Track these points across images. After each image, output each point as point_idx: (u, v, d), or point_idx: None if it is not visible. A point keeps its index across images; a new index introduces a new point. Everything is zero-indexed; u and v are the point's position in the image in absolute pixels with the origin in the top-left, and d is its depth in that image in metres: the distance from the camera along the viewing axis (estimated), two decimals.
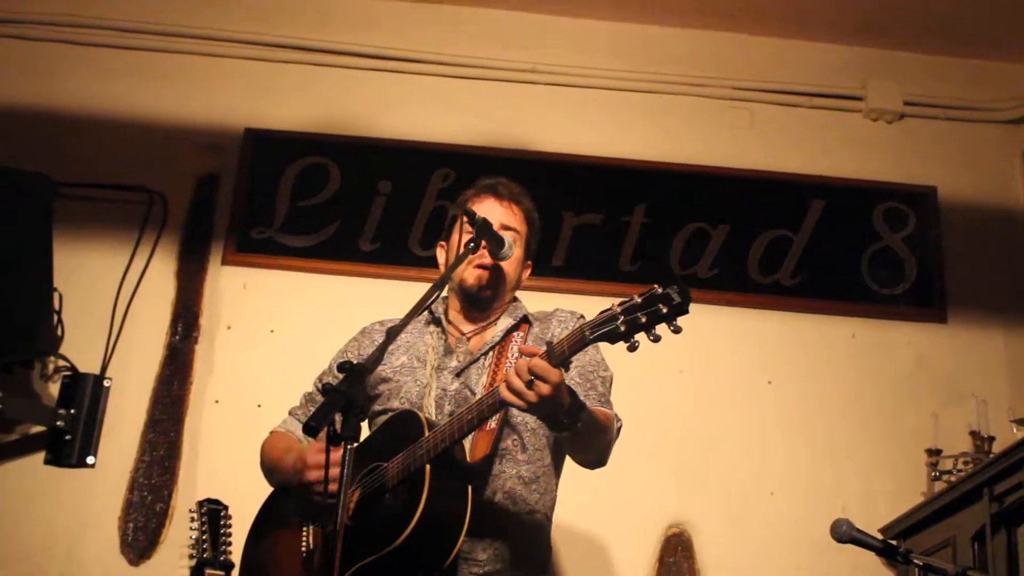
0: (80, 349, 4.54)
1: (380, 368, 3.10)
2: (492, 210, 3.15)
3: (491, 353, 3.07)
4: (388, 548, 2.65)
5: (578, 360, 2.98)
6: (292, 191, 4.93)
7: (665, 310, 2.42)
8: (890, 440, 4.68)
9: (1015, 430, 4.05)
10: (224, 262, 4.82)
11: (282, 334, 4.71)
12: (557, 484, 3.09)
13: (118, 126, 4.97)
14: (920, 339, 4.87)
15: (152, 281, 4.73)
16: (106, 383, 4.44)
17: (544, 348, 2.58)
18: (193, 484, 4.46)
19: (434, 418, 2.91)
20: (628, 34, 5.30)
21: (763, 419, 4.70)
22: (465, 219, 3.04)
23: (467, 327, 3.16)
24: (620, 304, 2.49)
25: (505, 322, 3.13)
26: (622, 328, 2.45)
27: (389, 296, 4.55)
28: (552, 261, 4.85)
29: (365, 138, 5.04)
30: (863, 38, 5.31)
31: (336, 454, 2.43)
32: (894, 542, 2.98)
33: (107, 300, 4.63)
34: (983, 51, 5.32)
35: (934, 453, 4.51)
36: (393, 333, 2.68)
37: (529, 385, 2.52)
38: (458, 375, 3.04)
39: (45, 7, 5.11)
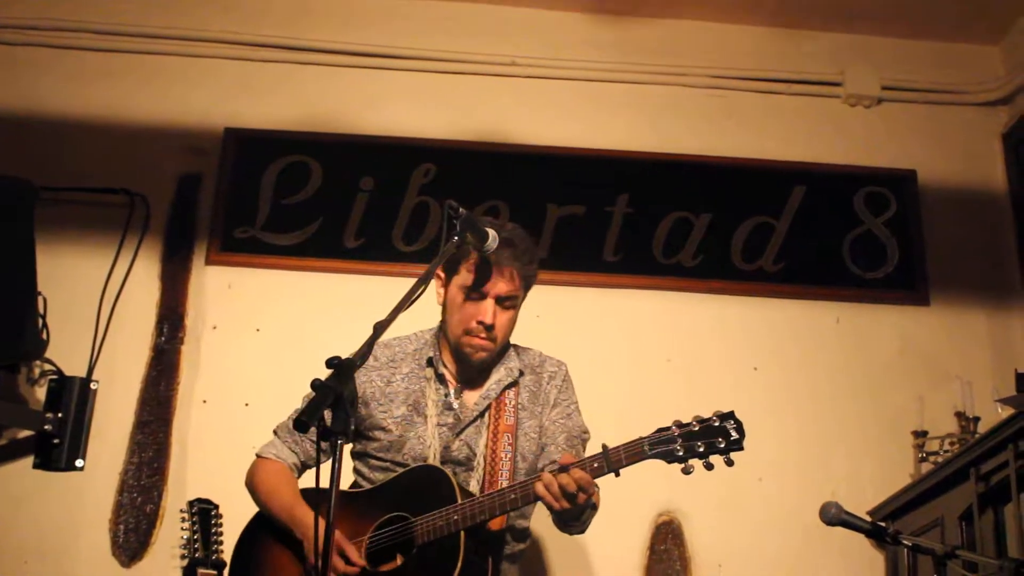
0: (66, 352, 4.53)
1: (381, 416, 3.18)
2: (495, 285, 3.12)
3: (487, 412, 3.17)
4: None
5: (564, 423, 3.20)
6: (274, 189, 4.93)
7: (722, 444, 2.69)
8: (877, 423, 4.70)
9: (1000, 410, 4.06)
10: (208, 262, 4.81)
11: (268, 332, 4.71)
12: None
13: (98, 129, 4.96)
14: (904, 322, 4.90)
15: (136, 283, 4.72)
16: (93, 386, 4.44)
17: (600, 454, 2.81)
18: (183, 484, 4.45)
19: None
20: (605, 25, 5.30)
21: (750, 405, 4.59)
22: (474, 254, 3.09)
23: (462, 376, 3.23)
24: (678, 426, 2.72)
25: (498, 376, 3.21)
26: (680, 451, 2.72)
27: (374, 292, 4.55)
28: None
29: (346, 135, 5.04)
30: (839, 24, 5.33)
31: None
32: (883, 523, 2.98)
33: (92, 303, 4.62)
34: (959, 34, 5.34)
35: (920, 435, 4.54)
36: (380, 328, 2.69)
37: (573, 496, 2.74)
38: (458, 434, 3.13)
39: (22, 11, 5.09)
